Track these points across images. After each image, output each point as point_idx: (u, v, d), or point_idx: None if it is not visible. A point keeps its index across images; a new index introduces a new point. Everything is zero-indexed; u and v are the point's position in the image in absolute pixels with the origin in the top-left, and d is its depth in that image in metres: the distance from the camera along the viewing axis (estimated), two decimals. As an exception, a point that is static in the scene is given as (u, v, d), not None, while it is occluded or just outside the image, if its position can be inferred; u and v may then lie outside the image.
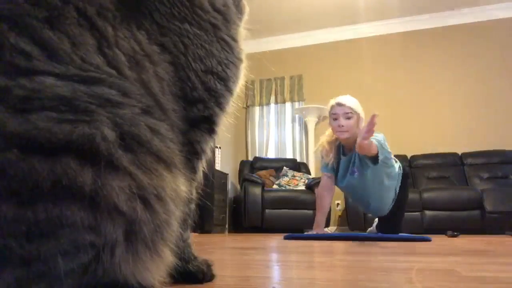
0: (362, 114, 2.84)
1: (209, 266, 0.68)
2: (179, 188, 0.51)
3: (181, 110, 0.60)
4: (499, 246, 1.92)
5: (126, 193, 0.42)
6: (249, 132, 6.17)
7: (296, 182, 5.15)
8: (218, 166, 5.17)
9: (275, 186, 5.16)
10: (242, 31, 0.73)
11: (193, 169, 0.64)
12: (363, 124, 2.76)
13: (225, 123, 0.70)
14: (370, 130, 2.31)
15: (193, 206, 0.66)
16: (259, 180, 4.95)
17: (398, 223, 2.90)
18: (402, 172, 2.84)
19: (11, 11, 0.46)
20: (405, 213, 3.03)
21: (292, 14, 5.57)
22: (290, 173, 5.32)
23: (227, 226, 5.22)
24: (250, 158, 5.90)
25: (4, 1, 0.46)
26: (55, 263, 0.39)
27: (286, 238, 2.72)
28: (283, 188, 5.10)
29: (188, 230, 0.65)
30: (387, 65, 5.72)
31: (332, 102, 2.86)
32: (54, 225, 0.39)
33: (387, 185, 2.75)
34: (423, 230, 4.06)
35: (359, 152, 2.55)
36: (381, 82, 5.68)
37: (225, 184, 5.19)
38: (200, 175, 0.68)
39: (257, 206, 4.74)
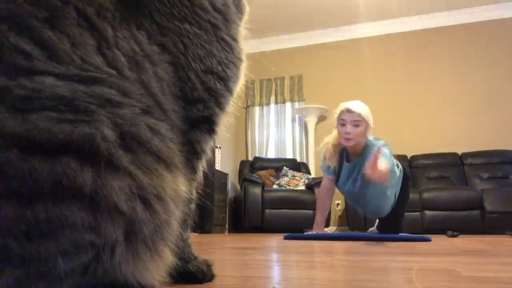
0: (371, 122, 2.75)
1: (209, 266, 0.68)
2: (179, 188, 0.51)
3: (181, 110, 0.60)
4: (499, 246, 1.92)
5: (126, 193, 0.43)
6: (249, 132, 6.17)
7: (296, 182, 5.15)
8: (218, 166, 5.17)
9: (275, 186, 5.16)
10: (242, 31, 0.73)
11: (193, 169, 0.64)
12: (371, 133, 2.72)
13: (225, 123, 0.70)
14: (373, 170, 2.27)
15: (193, 206, 0.66)
16: (259, 180, 4.95)
17: (398, 223, 2.89)
18: (403, 174, 2.80)
19: (11, 11, 0.46)
20: (405, 213, 3.03)
21: (292, 14, 5.57)
22: (290, 173, 5.32)
23: (227, 226, 5.22)
24: (250, 158, 5.90)
25: (4, 1, 0.46)
26: (55, 263, 0.39)
27: (286, 238, 2.72)
28: (283, 188, 5.10)
29: (188, 230, 0.65)
30: (387, 65, 5.72)
31: (342, 107, 2.76)
32: (54, 225, 0.39)
33: (389, 195, 2.71)
34: (423, 230, 4.06)
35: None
36: (381, 82, 5.68)
37: (225, 184, 5.19)
38: (200, 175, 0.68)
39: (257, 206, 4.74)
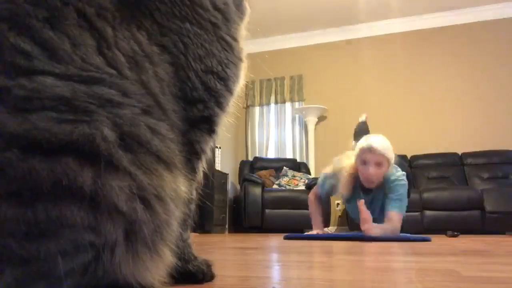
0: (393, 159, 2.58)
1: (209, 266, 0.68)
2: (179, 188, 0.51)
3: (181, 110, 0.60)
4: (499, 246, 1.92)
5: (126, 193, 0.43)
6: (249, 132, 6.18)
7: (296, 182, 5.15)
8: (218, 166, 5.17)
9: (275, 186, 5.16)
10: (243, 31, 0.73)
11: (193, 169, 0.64)
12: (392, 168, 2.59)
13: (225, 123, 0.70)
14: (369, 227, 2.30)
15: (193, 206, 0.66)
16: (259, 180, 4.95)
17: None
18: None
19: (11, 11, 0.46)
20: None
21: (292, 14, 5.57)
22: (290, 173, 5.32)
23: (227, 226, 5.22)
24: (250, 158, 5.91)
25: (4, 1, 0.46)
26: (55, 263, 0.39)
27: (286, 238, 2.72)
28: (283, 188, 5.10)
29: (188, 230, 0.65)
30: (387, 65, 5.72)
31: (363, 144, 2.56)
32: (54, 225, 0.39)
33: None
34: (423, 230, 4.06)
35: None
36: (381, 82, 5.68)
37: (225, 184, 5.19)
38: (200, 175, 0.67)
39: (257, 206, 4.74)
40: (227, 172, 5.38)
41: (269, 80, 6.14)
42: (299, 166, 5.57)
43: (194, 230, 0.70)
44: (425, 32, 5.64)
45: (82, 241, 0.40)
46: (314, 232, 2.90)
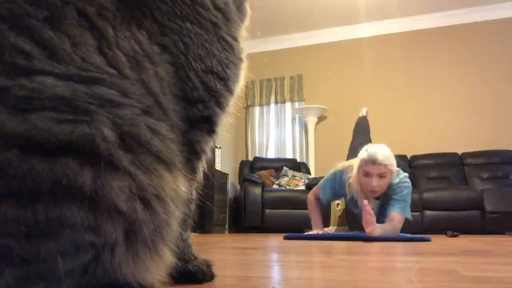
0: (395, 167, 2.54)
1: (209, 266, 0.68)
2: (179, 188, 0.51)
3: (181, 110, 0.60)
4: (499, 246, 1.92)
5: (126, 193, 0.43)
6: (249, 132, 6.18)
7: (296, 182, 5.15)
8: (218, 166, 5.17)
9: (275, 186, 5.16)
10: (243, 31, 0.73)
11: (193, 169, 0.64)
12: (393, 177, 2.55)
13: (225, 123, 0.70)
14: (373, 229, 2.28)
15: (193, 206, 0.66)
16: (259, 180, 4.95)
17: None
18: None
19: (11, 11, 0.46)
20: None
21: (292, 14, 5.57)
22: (290, 173, 5.32)
23: (227, 226, 5.22)
24: (250, 158, 5.91)
25: (4, 1, 0.46)
26: (55, 263, 0.39)
27: (286, 238, 2.72)
28: (283, 188, 5.10)
29: (188, 230, 0.65)
30: (387, 65, 5.72)
31: (364, 155, 2.51)
32: (54, 225, 0.39)
33: None
34: (423, 230, 4.05)
35: None
36: (381, 82, 5.68)
37: (225, 184, 5.19)
38: (200, 175, 0.67)
39: (257, 206, 4.74)
40: (227, 172, 5.38)
41: (269, 80, 6.14)
42: (299, 166, 5.57)
43: (194, 230, 0.70)
44: (425, 32, 5.63)
45: (82, 241, 0.40)
46: (314, 232, 2.90)
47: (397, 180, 2.57)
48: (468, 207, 4.26)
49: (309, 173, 5.43)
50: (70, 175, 0.39)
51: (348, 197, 2.81)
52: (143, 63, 0.54)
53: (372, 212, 2.34)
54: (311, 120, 5.76)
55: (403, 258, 1.23)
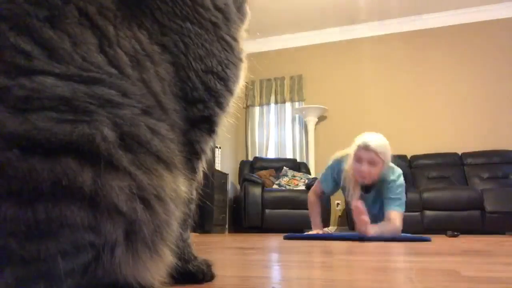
0: (388, 159, 2.56)
1: (209, 266, 0.68)
2: (179, 188, 0.51)
3: (181, 110, 0.60)
4: (499, 246, 1.92)
5: (126, 193, 0.43)
6: (249, 132, 6.18)
7: (296, 182, 5.15)
8: (218, 166, 5.17)
9: (275, 186, 5.16)
10: (242, 32, 0.73)
11: (193, 169, 0.64)
12: (387, 169, 2.57)
13: (225, 123, 0.70)
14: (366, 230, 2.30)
15: (193, 206, 0.66)
16: (259, 180, 4.95)
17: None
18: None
19: (11, 11, 0.46)
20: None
21: (292, 14, 5.57)
22: (290, 173, 5.32)
23: (227, 226, 5.22)
24: (250, 158, 5.91)
25: (4, 1, 0.46)
26: (55, 263, 0.39)
27: (286, 238, 2.72)
28: (283, 188, 5.10)
29: (188, 230, 0.65)
30: (387, 65, 5.72)
31: (359, 142, 2.56)
32: (54, 225, 0.39)
33: None
34: (423, 230, 4.06)
35: None
36: (381, 82, 5.68)
37: (225, 184, 5.19)
38: (200, 175, 0.67)
39: (257, 206, 4.74)
40: (227, 172, 5.38)
41: (269, 80, 6.14)
42: (299, 166, 5.57)
43: (194, 230, 0.70)
44: (425, 32, 5.64)
45: (82, 241, 0.40)
46: (313, 232, 2.90)
47: (392, 177, 2.58)
48: (468, 207, 4.26)
49: (309, 173, 5.43)
50: (70, 175, 0.39)
51: (343, 188, 2.81)
52: (144, 63, 0.54)
53: (366, 212, 2.34)
54: (311, 120, 5.76)
55: (403, 258, 1.23)
